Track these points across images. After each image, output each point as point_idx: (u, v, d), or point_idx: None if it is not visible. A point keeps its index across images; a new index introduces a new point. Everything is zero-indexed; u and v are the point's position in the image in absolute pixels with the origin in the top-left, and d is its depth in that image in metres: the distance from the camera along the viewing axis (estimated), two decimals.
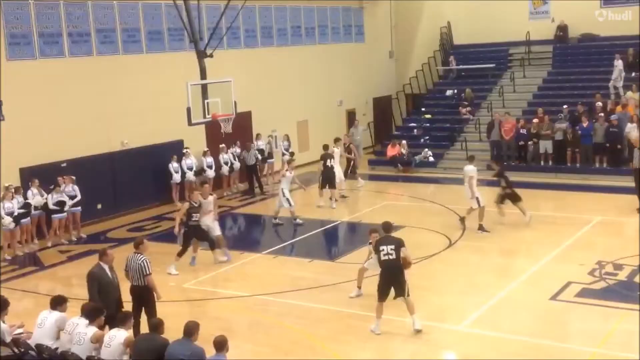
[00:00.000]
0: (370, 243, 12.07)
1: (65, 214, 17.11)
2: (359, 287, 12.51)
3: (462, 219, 16.79)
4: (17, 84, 17.11)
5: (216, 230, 14.95)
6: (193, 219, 14.42)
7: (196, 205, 14.45)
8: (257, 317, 12.12)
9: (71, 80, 18.42)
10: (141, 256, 10.59)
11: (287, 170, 18.09)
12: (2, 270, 15.29)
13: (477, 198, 16.34)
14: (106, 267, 10.24)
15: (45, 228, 17.20)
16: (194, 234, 14.52)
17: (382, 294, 10.89)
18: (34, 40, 17.66)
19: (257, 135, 23.31)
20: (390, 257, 10.76)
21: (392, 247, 10.78)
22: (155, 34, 20.78)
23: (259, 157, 22.58)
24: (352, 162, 21.99)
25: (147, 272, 10.51)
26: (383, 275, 10.92)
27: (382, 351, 10.57)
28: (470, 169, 16.61)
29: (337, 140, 21.16)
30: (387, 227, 11.30)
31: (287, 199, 17.69)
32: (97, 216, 18.96)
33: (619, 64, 23.75)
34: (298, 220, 17.80)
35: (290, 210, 17.85)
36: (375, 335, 10.87)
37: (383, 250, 10.80)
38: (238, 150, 22.40)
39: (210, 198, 14.95)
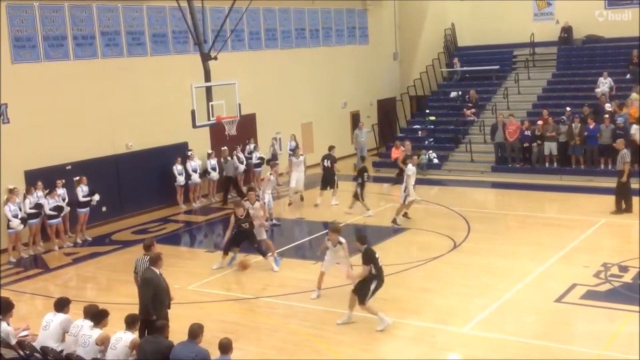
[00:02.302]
0: (328, 239, 12.37)
1: (60, 219, 17.07)
2: (319, 288, 12.75)
3: (405, 214, 17.56)
4: (22, 87, 17.16)
5: (262, 235, 14.96)
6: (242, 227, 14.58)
7: (242, 217, 14.47)
8: (261, 319, 12.12)
9: (76, 83, 18.46)
10: (148, 259, 10.57)
11: (270, 174, 18.12)
12: (7, 273, 15.35)
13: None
14: (158, 272, 10.16)
15: (49, 230, 17.23)
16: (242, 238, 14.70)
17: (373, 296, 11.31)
18: (39, 44, 17.70)
19: (249, 140, 22.85)
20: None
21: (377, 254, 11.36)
22: (160, 36, 20.81)
23: (239, 167, 21.72)
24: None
25: None
26: (379, 281, 11.26)
27: (386, 353, 10.56)
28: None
29: (296, 148, 21.29)
30: (364, 238, 11.66)
31: (263, 203, 17.71)
32: (102, 218, 18.98)
33: (608, 81, 23.89)
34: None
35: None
36: (379, 338, 10.87)
37: (379, 258, 11.22)
38: (241, 155, 22.33)
39: (257, 204, 15.00)
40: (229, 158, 21.24)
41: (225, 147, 21.02)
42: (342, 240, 12.36)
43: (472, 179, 22.65)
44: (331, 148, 20.77)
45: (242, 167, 22.19)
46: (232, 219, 14.59)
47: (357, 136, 26.33)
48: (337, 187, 20.10)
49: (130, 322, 8.90)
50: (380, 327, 11.06)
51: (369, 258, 11.15)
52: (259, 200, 15.37)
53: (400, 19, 30.97)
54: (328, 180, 20.01)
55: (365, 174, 18.84)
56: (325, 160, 20.01)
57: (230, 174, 21.24)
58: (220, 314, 12.37)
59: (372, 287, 11.17)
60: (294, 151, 21.46)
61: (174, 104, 19.92)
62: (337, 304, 12.35)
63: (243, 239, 14.66)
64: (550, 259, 14.22)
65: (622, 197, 17.48)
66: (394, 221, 17.35)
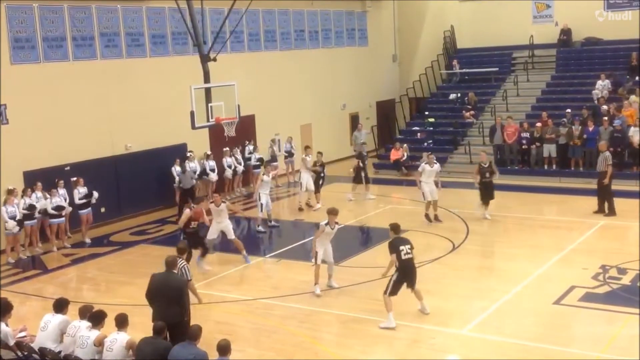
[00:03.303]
0: (327, 224, 12.74)
1: (63, 218, 17.08)
2: (317, 284, 12.90)
3: (432, 216, 17.68)
4: (21, 87, 17.16)
5: (231, 234, 15.05)
6: (191, 226, 14.54)
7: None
8: (260, 320, 12.10)
9: (75, 84, 18.45)
10: (182, 262, 10.67)
11: (264, 174, 18.09)
12: (6, 274, 15.33)
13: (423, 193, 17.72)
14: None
15: (48, 231, 17.21)
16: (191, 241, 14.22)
17: (396, 290, 11.33)
18: (38, 44, 17.70)
19: (248, 141, 22.82)
20: (410, 256, 11.39)
21: (409, 246, 11.47)
22: (159, 37, 20.81)
23: (195, 179, 20.28)
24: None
25: (188, 278, 10.61)
26: (402, 273, 11.34)
27: (384, 355, 10.54)
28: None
29: (307, 147, 20.97)
30: (397, 228, 11.82)
31: (261, 204, 17.77)
32: (101, 219, 18.95)
33: (606, 83, 23.92)
34: (260, 228, 17.92)
35: (258, 217, 17.94)
36: (379, 339, 10.86)
37: (403, 250, 11.34)
38: (239, 156, 22.31)
39: (223, 205, 15.04)
40: (187, 168, 20.02)
41: (178, 160, 20.18)
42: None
43: (471, 181, 22.55)
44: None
45: (240, 168, 22.24)
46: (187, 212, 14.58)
47: (356, 138, 26.31)
48: (368, 181, 21.07)
49: (120, 322, 8.82)
50: (383, 324, 11.16)
51: (392, 249, 11.42)
52: (224, 202, 15.36)
53: (400, 21, 31.00)
54: (359, 175, 20.79)
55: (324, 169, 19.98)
56: (360, 162, 20.79)
57: (187, 186, 19.86)
58: (218, 316, 12.36)
59: (394, 278, 11.34)
60: (304, 150, 21.10)
61: (173, 105, 19.92)
62: (336, 306, 12.37)
63: (193, 243, 14.18)
64: (548, 261, 14.23)
65: (604, 200, 17.51)
66: (436, 217, 17.65)
